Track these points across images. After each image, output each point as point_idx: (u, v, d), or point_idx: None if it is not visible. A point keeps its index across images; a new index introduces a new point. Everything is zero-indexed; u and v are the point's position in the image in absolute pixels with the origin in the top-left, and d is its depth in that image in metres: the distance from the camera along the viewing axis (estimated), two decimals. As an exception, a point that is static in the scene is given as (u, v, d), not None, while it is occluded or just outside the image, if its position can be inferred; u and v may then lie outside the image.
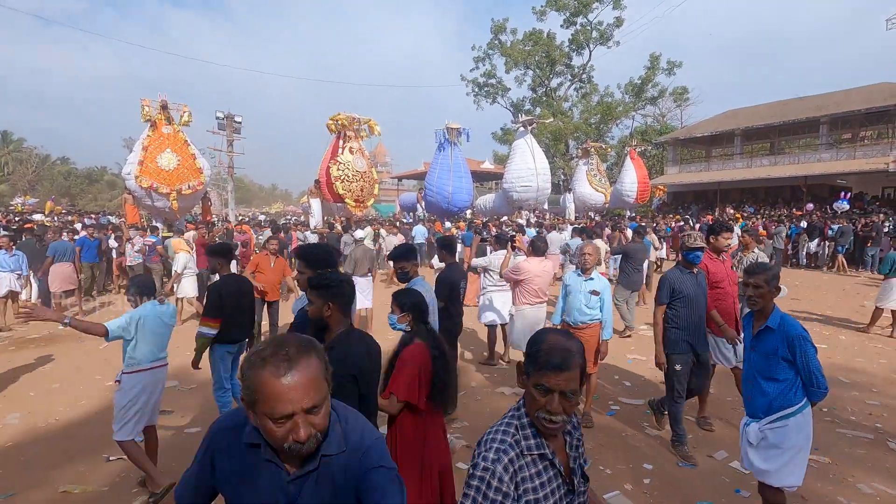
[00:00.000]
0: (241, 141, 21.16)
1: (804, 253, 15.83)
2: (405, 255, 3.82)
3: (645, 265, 9.16)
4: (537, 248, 5.16)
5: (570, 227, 13.96)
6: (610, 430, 4.32)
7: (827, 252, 15.34)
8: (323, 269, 2.74)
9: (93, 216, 22.59)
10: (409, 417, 2.29)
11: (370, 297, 7.89)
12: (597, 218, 22.21)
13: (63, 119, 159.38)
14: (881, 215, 16.58)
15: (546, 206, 23.60)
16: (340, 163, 17.33)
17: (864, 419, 4.50)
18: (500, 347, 6.40)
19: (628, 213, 25.38)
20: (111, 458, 3.85)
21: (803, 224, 16.50)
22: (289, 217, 34.23)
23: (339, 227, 15.43)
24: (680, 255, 4.02)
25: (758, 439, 2.61)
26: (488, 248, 11.10)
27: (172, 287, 8.41)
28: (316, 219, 18.69)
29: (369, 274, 7.88)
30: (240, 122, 20.92)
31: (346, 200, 17.63)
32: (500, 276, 5.64)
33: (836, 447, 3.95)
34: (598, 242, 11.32)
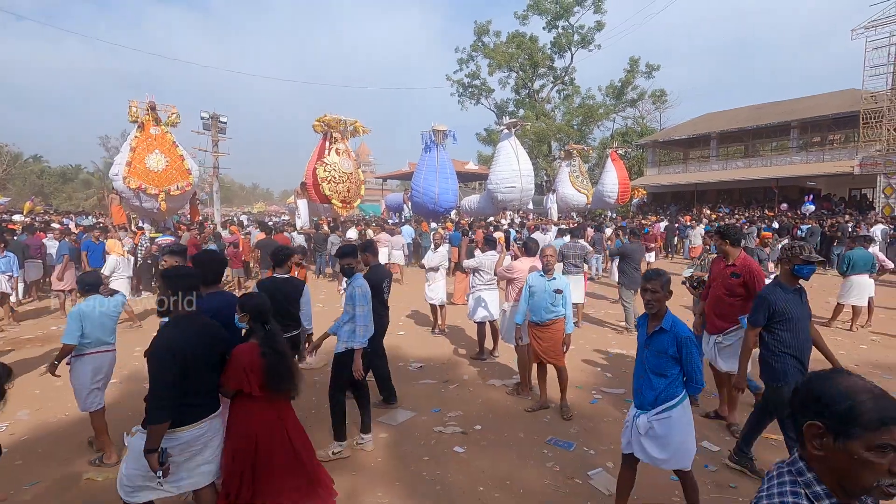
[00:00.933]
0: (226, 141, 21.12)
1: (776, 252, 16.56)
2: (351, 253, 4.28)
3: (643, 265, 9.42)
4: (529, 248, 5.51)
5: (554, 228, 14.37)
6: (593, 416, 4.69)
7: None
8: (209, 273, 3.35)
9: (71, 216, 22.27)
10: (242, 400, 2.83)
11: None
12: (579, 219, 22.74)
13: (36, 117, 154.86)
14: (846, 216, 17.41)
15: (530, 207, 24.05)
16: (327, 164, 17.48)
17: (821, 404, 4.94)
18: (488, 343, 6.71)
19: (610, 213, 26.01)
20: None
21: (775, 224, 17.24)
22: (272, 217, 34.10)
23: (326, 228, 15.62)
24: (784, 268, 3.47)
25: (646, 429, 2.89)
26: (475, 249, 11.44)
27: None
28: (303, 219, 18.79)
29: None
30: (225, 123, 20.88)
31: (333, 201, 17.79)
32: (495, 275, 5.99)
33: (796, 428, 4.37)
34: (582, 243, 11.74)
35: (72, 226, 15.57)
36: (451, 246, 13.44)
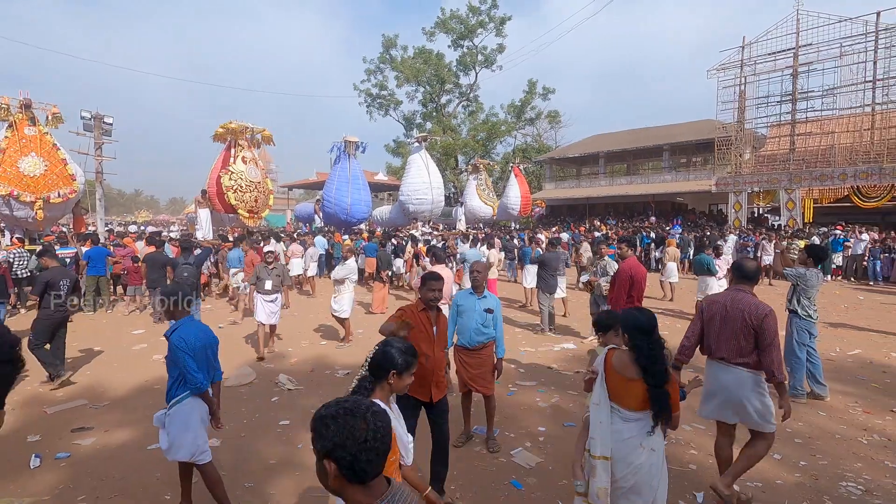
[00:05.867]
0: (112, 144, 19.23)
1: (654, 259, 18.90)
2: None
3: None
4: (439, 256, 5.96)
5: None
6: (511, 405, 5.26)
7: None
8: None
9: None
10: None
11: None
12: (486, 230, 23.95)
13: None
14: (707, 229, 20.40)
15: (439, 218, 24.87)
16: (233, 172, 16.77)
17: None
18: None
19: (514, 224, 27.69)
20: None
21: (652, 235, 19.68)
22: (163, 228, 31.40)
23: (231, 239, 14.90)
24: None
25: (161, 422, 3.22)
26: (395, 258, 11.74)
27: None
28: (204, 230, 17.75)
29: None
30: (110, 124, 19.06)
31: (240, 211, 17.08)
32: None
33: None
34: (494, 252, 12.60)
35: None
36: (368, 257, 13.64)
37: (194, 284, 7.04)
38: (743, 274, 3.48)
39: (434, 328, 3.38)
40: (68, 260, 8.99)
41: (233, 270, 11.01)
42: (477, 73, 39.91)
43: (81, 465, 4.02)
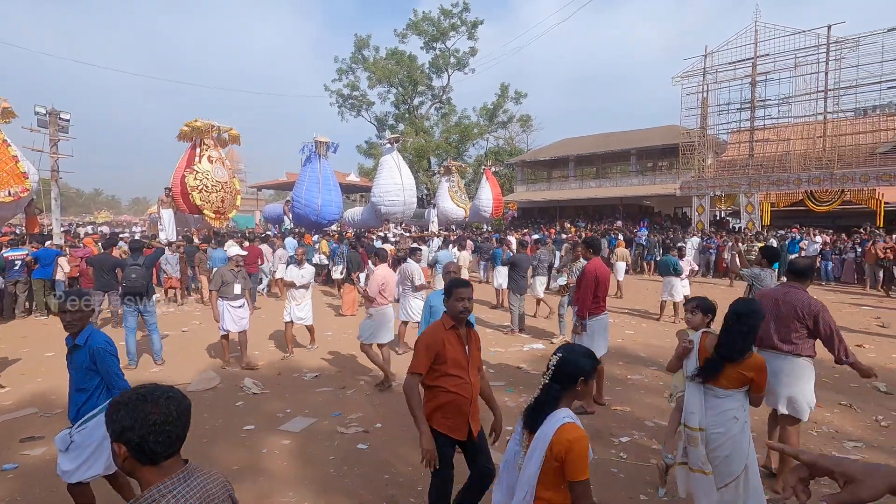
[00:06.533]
0: (69, 142, 18.39)
1: (621, 260, 19.38)
2: None
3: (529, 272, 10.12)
4: (382, 256, 6.04)
5: (437, 240, 15.15)
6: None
7: (638, 260, 19.12)
8: None
9: None
10: None
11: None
12: (458, 231, 24.02)
13: None
14: (671, 231, 20.99)
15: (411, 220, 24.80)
16: (198, 172, 16.36)
17: (653, 381, 6.16)
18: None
19: (486, 226, 27.85)
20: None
21: (620, 237, 20.13)
22: (127, 228, 30.30)
23: (197, 240, 14.50)
24: None
25: (66, 444, 2.87)
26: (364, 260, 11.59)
27: None
28: (167, 231, 17.21)
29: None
30: (67, 120, 18.23)
31: (205, 212, 16.66)
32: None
33: (635, 401, 5.44)
34: (465, 254, 12.66)
35: None
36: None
37: (144, 286, 6.77)
38: (792, 270, 3.68)
39: (466, 347, 2.86)
40: (18, 263, 8.54)
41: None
42: (449, 76, 40.11)
43: (30, 476, 3.84)
